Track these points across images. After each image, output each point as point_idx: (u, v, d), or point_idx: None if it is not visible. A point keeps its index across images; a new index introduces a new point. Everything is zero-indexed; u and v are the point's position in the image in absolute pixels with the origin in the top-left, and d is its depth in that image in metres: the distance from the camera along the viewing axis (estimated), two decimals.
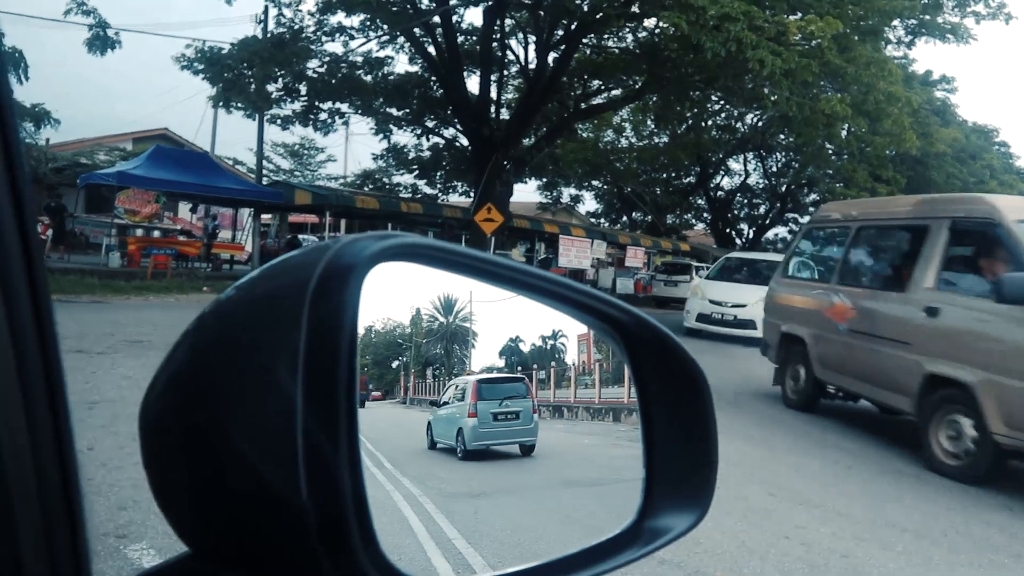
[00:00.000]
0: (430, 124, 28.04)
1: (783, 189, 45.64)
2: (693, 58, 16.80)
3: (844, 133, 22.82)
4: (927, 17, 20.62)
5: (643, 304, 32.28)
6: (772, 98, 16.39)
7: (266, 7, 24.62)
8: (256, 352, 0.59)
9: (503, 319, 0.86)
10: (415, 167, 31.52)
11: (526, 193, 44.71)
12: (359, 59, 24.94)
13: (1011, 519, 5.54)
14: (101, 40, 18.93)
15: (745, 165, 45.55)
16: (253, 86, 20.64)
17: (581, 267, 30.86)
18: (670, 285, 32.24)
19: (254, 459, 0.57)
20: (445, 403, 0.88)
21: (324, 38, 22.86)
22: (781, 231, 53.43)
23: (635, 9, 18.70)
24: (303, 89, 23.79)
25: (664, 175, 42.99)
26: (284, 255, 0.65)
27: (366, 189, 35.65)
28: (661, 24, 13.31)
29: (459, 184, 32.07)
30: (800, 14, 15.87)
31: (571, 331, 0.93)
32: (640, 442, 0.90)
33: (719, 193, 47.11)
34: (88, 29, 18.68)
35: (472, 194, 30.65)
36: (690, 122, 33.20)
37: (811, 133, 18.88)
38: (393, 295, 0.74)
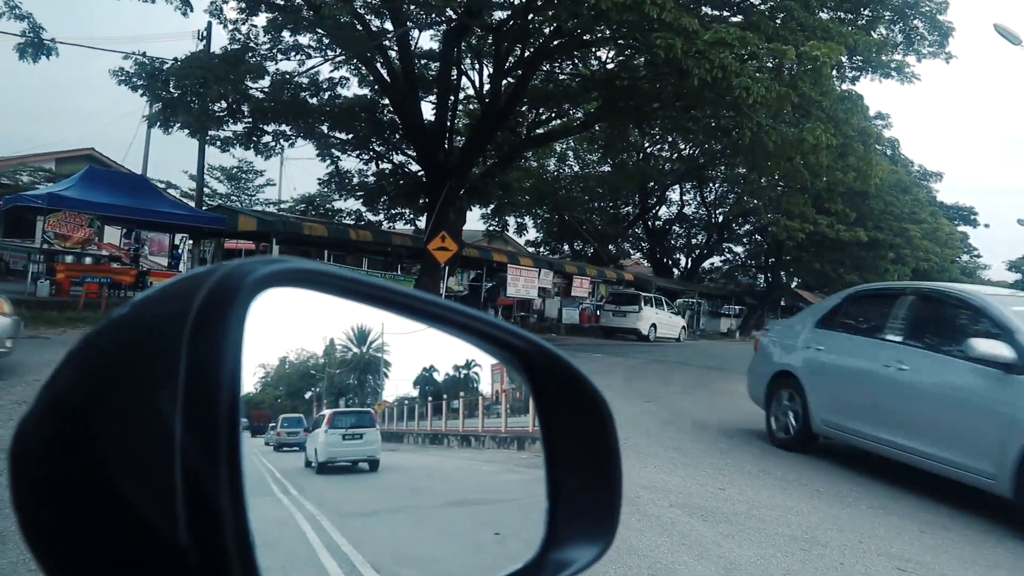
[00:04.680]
0: (378, 149, 27.14)
1: (719, 219, 46.17)
2: (674, 84, 16.38)
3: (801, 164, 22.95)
4: (875, 54, 20.72)
5: (589, 334, 31.78)
6: (749, 127, 16.08)
7: (209, 24, 23.53)
8: (140, 379, 0.55)
9: (417, 349, 0.87)
10: (360, 193, 30.46)
11: (469, 221, 44.04)
12: (305, 80, 23.98)
13: None
14: (35, 46, 17.59)
15: (682, 195, 45.97)
16: (197, 104, 19.41)
17: (529, 296, 30.25)
18: (619, 315, 31.90)
19: (134, 495, 0.53)
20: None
21: (280, 56, 21.87)
22: (716, 260, 54.20)
23: (605, 32, 18.25)
24: (246, 110, 22.65)
25: (606, 203, 42.97)
26: (188, 272, 0.63)
27: (307, 215, 34.47)
28: (657, 44, 12.69)
29: (405, 211, 31.12)
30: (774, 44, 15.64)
31: (485, 361, 0.93)
32: (543, 472, 0.90)
33: (657, 222, 47.36)
34: (22, 35, 17.37)
35: (417, 222, 29.71)
36: (637, 155, 33.13)
37: (782, 164, 18.65)
38: (308, 324, 0.75)
